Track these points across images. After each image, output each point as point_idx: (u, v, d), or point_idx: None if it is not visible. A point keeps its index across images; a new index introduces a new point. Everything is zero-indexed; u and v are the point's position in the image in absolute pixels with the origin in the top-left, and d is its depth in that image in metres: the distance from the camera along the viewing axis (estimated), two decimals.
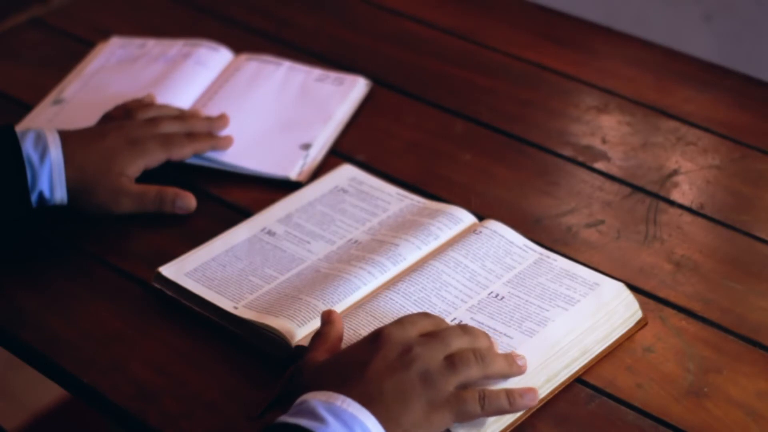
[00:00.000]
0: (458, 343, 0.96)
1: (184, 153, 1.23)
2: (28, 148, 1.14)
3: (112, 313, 1.10)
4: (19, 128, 1.17)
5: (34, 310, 1.11)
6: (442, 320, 0.99)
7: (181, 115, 1.27)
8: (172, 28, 1.50)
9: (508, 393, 0.95)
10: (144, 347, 1.06)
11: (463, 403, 0.93)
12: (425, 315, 0.99)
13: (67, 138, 1.17)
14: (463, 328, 0.98)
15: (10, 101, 1.38)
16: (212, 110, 1.33)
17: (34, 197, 1.14)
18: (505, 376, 0.97)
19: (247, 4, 1.56)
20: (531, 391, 0.97)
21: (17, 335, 1.09)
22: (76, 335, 1.08)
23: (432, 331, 0.97)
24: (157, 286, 1.11)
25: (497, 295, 1.07)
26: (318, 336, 0.99)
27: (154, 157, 1.21)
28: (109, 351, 1.06)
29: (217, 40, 1.44)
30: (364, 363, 0.93)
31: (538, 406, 0.99)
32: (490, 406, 0.94)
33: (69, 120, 1.31)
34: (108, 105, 1.30)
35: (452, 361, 0.94)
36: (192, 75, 1.38)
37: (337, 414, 0.89)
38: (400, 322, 0.97)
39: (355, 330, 1.02)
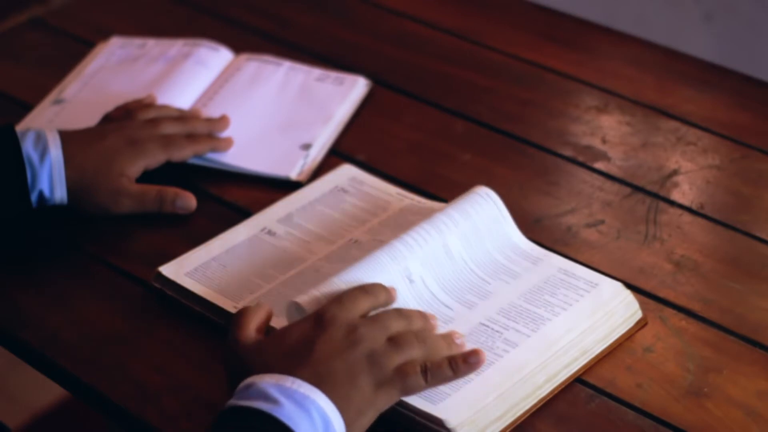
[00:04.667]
0: (397, 326, 0.97)
1: (184, 154, 1.23)
2: (28, 147, 1.15)
3: (112, 313, 1.10)
4: (19, 128, 1.17)
5: (34, 310, 1.11)
6: (377, 297, 1.00)
7: (182, 116, 1.27)
8: (172, 28, 1.50)
9: (451, 360, 0.96)
10: (144, 347, 1.06)
11: (406, 378, 0.94)
12: (363, 292, 1.00)
13: (67, 138, 1.17)
14: (399, 312, 0.99)
15: (10, 101, 1.38)
16: (212, 110, 1.33)
17: (33, 197, 1.15)
18: (445, 355, 0.97)
19: (247, 4, 1.56)
20: (475, 353, 0.97)
21: (17, 335, 1.09)
22: (76, 335, 1.08)
23: (369, 312, 0.99)
24: (157, 285, 1.11)
25: (497, 295, 1.07)
26: (244, 313, 0.99)
27: (154, 158, 1.21)
28: (109, 351, 1.06)
29: (217, 40, 1.44)
30: (310, 343, 0.94)
31: (539, 406, 0.99)
32: (434, 378, 0.95)
33: (69, 120, 1.31)
34: (108, 105, 1.30)
35: (396, 341, 0.96)
36: (192, 75, 1.38)
37: (290, 395, 0.89)
38: (341, 301, 0.98)
39: None
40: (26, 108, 1.35)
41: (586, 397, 1.01)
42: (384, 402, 0.94)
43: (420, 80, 1.41)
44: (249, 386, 0.91)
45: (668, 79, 1.41)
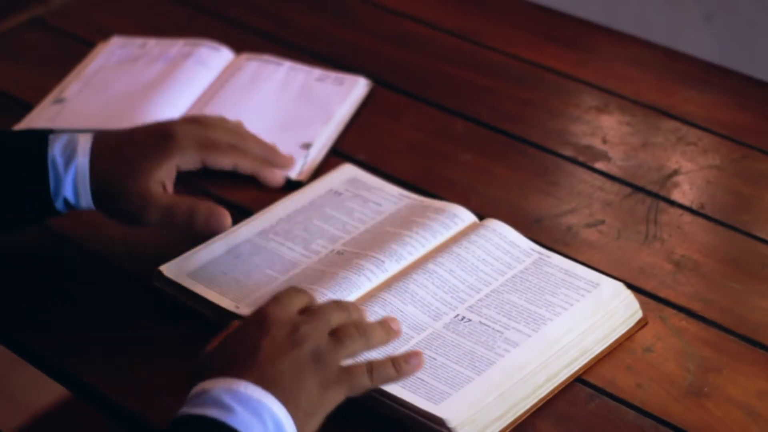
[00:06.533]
0: (337, 318, 0.97)
1: (222, 162, 1.16)
2: (56, 152, 1.10)
3: (112, 313, 1.10)
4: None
5: (34, 309, 1.11)
6: (312, 295, 1.00)
7: (237, 130, 1.20)
8: (172, 28, 1.50)
9: (394, 361, 0.97)
10: (144, 347, 1.06)
11: (353, 378, 0.95)
12: (297, 291, 0.99)
13: (99, 140, 1.12)
14: (337, 304, 0.99)
15: (11, 101, 1.38)
16: (213, 110, 1.33)
17: (59, 203, 1.11)
18: (385, 344, 0.99)
19: (247, 4, 1.56)
20: (415, 355, 0.98)
21: (17, 335, 1.09)
22: (76, 335, 1.08)
23: (308, 307, 0.98)
24: (157, 285, 1.11)
25: (497, 295, 1.07)
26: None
27: (188, 158, 1.13)
28: (109, 351, 1.06)
29: (218, 40, 1.44)
30: (255, 346, 0.93)
31: (539, 406, 0.99)
32: (379, 377, 0.96)
33: (69, 119, 1.31)
34: (108, 105, 1.31)
35: (338, 337, 0.95)
36: (192, 75, 1.38)
37: (243, 401, 0.89)
38: (278, 300, 0.97)
39: None
40: (26, 108, 1.35)
41: (587, 396, 1.01)
42: (331, 402, 0.94)
43: (420, 80, 1.41)
44: (201, 393, 0.90)
45: (668, 79, 1.41)
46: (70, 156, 1.10)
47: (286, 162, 1.23)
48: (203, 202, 1.12)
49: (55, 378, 1.07)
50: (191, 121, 1.17)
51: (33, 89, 1.38)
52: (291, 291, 0.99)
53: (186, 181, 1.24)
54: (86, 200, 1.11)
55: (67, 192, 1.10)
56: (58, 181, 1.10)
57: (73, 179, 1.10)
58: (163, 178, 1.12)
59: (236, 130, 1.21)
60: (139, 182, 1.10)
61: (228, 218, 1.12)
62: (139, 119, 1.28)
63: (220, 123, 1.19)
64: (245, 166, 1.19)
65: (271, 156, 1.21)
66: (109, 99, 1.33)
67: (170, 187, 1.12)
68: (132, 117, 1.29)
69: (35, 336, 1.08)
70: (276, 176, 1.21)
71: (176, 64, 1.40)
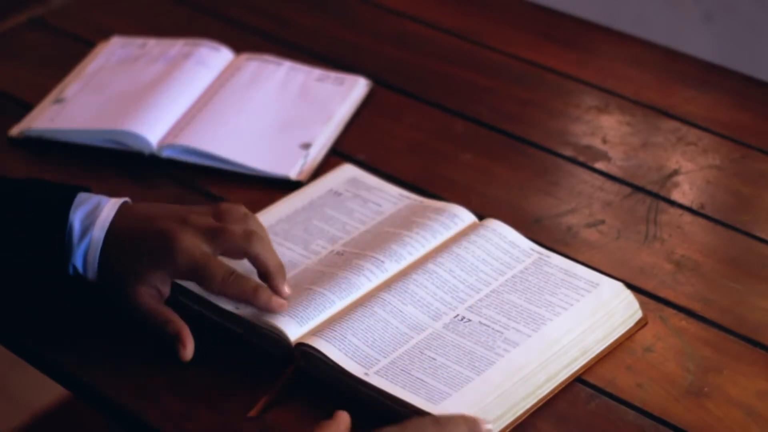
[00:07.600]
0: None
1: (211, 290, 1.05)
2: (75, 220, 1.06)
3: (111, 312, 1.10)
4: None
5: (34, 309, 1.11)
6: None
7: (248, 235, 1.06)
8: (172, 28, 1.50)
9: None
10: (144, 347, 1.06)
11: None
12: (435, 424, 0.91)
13: (121, 218, 1.06)
14: (436, 421, 0.92)
15: (11, 101, 1.38)
16: (213, 109, 1.33)
17: (69, 269, 1.07)
18: None
19: (247, 4, 1.56)
20: None
21: (17, 335, 1.09)
22: (76, 335, 1.08)
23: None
24: None
25: (497, 295, 1.07)
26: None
27: (179, 275, 1.06)
28: (110, 351, 1.06)
29: (218, 40, 1.44)
30: None
31: (539, 406, 0.99)
32: None
33: (69, 119, 1.31)
34: (108, 105, 1.31)
35: None
36: (192, 75, 1.38)
37: None
38: (404, 428, 0.91)
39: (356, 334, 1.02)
40: (26, 108, 1.35)
41: (587, 396, 1.01)
42: None
43: (420, 80, 1.41)
44: None
45: (668, 79, 1.41)
46: (88, 226, 1.06)
47: (281, 289, 1.05)
48: (175, 324, 1.05)
49: (55, 378, 1.07)
50: (207, 220, 1.07)
51: (33, 89, 1.38)
52: (456, 420, 0.92)
53: (186, 181, 1.24)
54: (92, 274, 1.07)
55: (77, 262, 1.06)
56: (70, 250, 1.06)
57: (84, 252, 1.06)
58: (156, 283, 1.06)
59: (248, 235, 1.06)
60: (135, 280, 1.05)
61: (187, 351, 1.04)
62: (139, 119, 1.28)
63: (232, 233, 1.06)
64: (231, 297, 1.06)
65: (272, 276, 1.06)
66: (109, 99, 1.33)
67: (166, 291, 1.07)
68: (132, 117, 1.29)
69: (35, 336, 1.08)
70: (271, 303, 1.04)
71: (176, 64, 1.40)
